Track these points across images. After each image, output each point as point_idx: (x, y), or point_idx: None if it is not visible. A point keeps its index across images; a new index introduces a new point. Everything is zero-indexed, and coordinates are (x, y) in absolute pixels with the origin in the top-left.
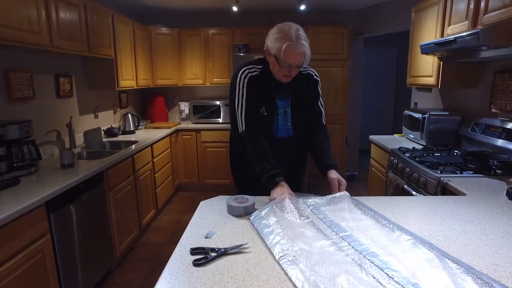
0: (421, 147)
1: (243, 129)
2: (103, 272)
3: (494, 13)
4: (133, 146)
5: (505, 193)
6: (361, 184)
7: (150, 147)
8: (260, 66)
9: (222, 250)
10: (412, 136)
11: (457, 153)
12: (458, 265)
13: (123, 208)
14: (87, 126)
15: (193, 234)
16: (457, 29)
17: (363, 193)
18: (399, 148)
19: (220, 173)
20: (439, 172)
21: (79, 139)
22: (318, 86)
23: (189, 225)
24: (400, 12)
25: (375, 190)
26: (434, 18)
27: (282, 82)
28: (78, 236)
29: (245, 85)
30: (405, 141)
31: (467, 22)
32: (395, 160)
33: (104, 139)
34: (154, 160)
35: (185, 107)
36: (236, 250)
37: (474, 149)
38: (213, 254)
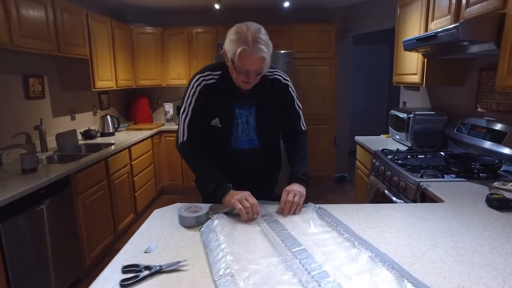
0: (405, 148)
1: (184, 139)
2: (69, 283)
3: (476, 6)
4: (103, 149)
5: (484, 199)
6: (351, 186)
7: (127, 149)
8: (219, 72)
9: (157, 267)
10: (398, 137)
11: (442, 155)
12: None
13: (94, 213)
14: (62, 128)
15: (133, 248)
16: (440, 24)
17: (352, 195)
18: (382, 150)
19: None
20: (419, 176)
21: (52, 142)
22: (290, 89)
23: (132, 237)
24: (388, 8)
25: (362, 193)
26: (418, 13)
27: (244, 89)
28: (36, 245)
29: (196, 93)
30: (391, 142)
31: (449, 16)
32: (377, 163)
33: (81, 142)
34: (133, 163)
35: (169, 108)
36: (173, 267)
37: (461, 150)
38: (146, 272)
